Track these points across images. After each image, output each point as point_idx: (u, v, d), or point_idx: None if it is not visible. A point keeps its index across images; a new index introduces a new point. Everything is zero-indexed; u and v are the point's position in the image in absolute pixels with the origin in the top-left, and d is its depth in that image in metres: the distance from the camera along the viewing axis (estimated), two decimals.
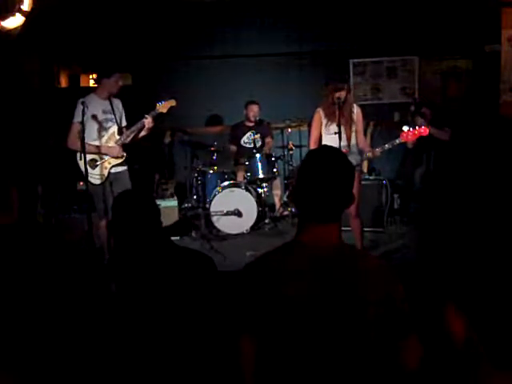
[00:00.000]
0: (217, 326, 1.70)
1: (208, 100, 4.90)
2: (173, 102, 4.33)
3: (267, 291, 1.43)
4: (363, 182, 5.10)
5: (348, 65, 6.61)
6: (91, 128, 4.15)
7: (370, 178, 5.60)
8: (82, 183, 5.12)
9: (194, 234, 5.36)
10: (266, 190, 5.66)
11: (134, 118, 4.34)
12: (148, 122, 4.21)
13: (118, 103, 4.38)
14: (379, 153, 3.96)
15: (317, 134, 4.10)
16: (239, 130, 6.08)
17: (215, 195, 5.42)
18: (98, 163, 4.20)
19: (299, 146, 5.96)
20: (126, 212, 1.91)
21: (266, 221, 5.50)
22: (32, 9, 4.59)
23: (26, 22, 4.60)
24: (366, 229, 4.41)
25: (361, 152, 4.09)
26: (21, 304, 1.93)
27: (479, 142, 5.75)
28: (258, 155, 5.47)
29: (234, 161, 6.00)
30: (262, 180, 5.57)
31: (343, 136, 3.87)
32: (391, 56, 6.54)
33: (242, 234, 5.35)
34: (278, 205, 5.87)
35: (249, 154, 5.60)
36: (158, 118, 4.36)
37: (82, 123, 3.91)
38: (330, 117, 3.99)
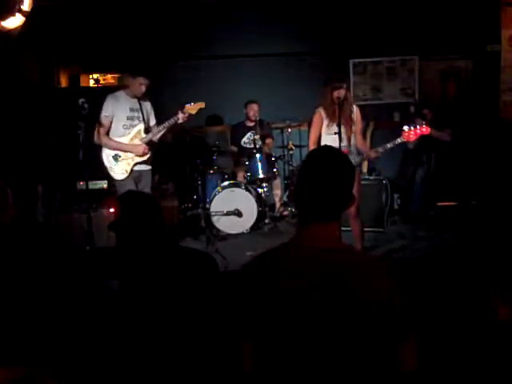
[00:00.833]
0: (217, 326, 1.70)
1: (208, 100, 4.90)
2: (202, 105, 4.37)
3: (265, 292, 1.42)
4: (363, 182, 5.11)
5: (348, 65, 6.61)
6: (117, 125, 4.20)
7: (370, 178, 5.60)
8: (82, 183, 5.13)
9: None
10: (265, 189, 5.66)
11: None
12: (182, 117, 4.22)
13: (146, 103, 4.40)
14: (381, 153, 3.96)
15: (316, 134, 4.09)
16: (239, 130, 6.08)
17: (215, 195, 5.42)
18: (121, 158, 4.23)
19: (299, 146, 5.96)
20: (130, 212, 1.91)
21: (266, 221, 5.50)
22: (32, 9, 4.58)
23: (26, 21, 4.60)
24: (365, 229, 4.40)
25: (360, 152, 4.08)
26: (20, 304, 1.93)
27: (479, 141, 5.76)
28: (258, 155, 5.47)
29: (234, 161, 6.01)
30: (262, 180, 5.57)
31: (344, 136, 3.86)
32: (391, 56, 6.54)
33: (242, 233, 5.35)
34: (278, 205, 5.87)
35: (249, 154, 5.60)
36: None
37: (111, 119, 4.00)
38: (331, 117, 3.98)
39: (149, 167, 4.39)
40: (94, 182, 5.19)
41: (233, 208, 5.34)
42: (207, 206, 5.46)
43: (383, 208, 5.37)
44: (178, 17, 6.39)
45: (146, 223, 1.88)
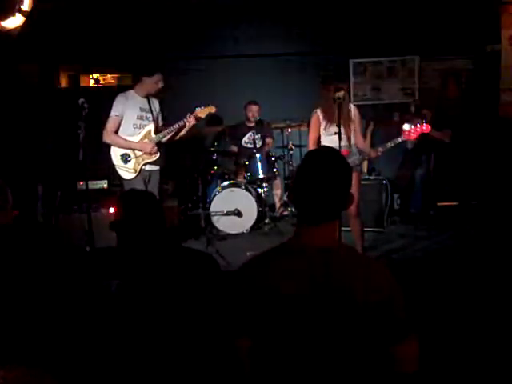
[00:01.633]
0: (217, 326, 1.70)
1: (208, 100, 4.90)
2: (212, 109, 4.38)
3: (263, 291, 1.43)
4: (363, 182, 5.10)
5: (348, 65, 6.61)
6: (127, 124, 4.21)
7: (370, 178, 5.60)
8: (82, 183, 5.13)
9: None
10: (266, 190, 5.66)
11: None
12: (191, 120, 4.24)
13: (155, 103, 4.42)
14: (381, 152, 3.96)
15: (315, 135, 4.08)
16: (239, 130, 6.08)
17: (215, 195, 5.42)
18: (130, 158, 4.24)
19: (299, 146, 5.96)
20: (130, 211, 1.90)
21: (266, 221, 5.50)
22: (32, 9, 4.58)
23: (26, 22, 4.60)
24: (365, 229, 4.40)
25: (360, 152, 4.08)
26: (20, 303, 1.93)
27: (479, 141, 5.76)
28: (258, 155, 5.47)
29: (234, 161, 6.01)
30: (262, 180, 5.56)
31: (343, 136, 3.85)
32: (391, 56, 6.54)
33: (242, 233, 5.35)
34: (278, 205, 5.87)
35: (249, 153, 5.60)
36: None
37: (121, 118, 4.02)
38: (329, 117, 3.97)
39: (157, 167, 4.41)
40: (94, 182, 5.19)
41: (233, 208, 5.34)
42: (207, 206, 5.46)
43: (383, 208, 5.37)
44: (178, 17, 6.39)
45: (147, 223, 1.88)
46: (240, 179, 5.77)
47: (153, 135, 4.30)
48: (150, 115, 4.32)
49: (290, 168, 5.88)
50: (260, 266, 1.50)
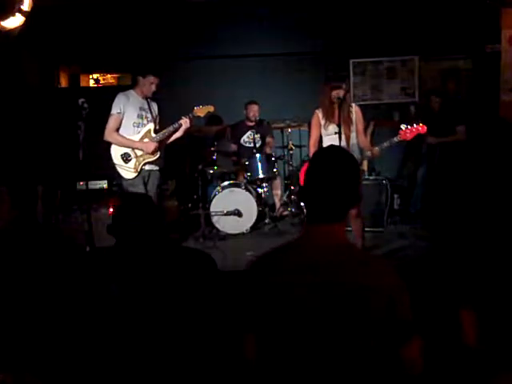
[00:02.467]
0: (218, 324, 1.70)
1: (208, 100, 4.90)
2: (211, 108, 4.41)
3: (270, 290, 1.43)
4: (363, 182, 5.10)
5: (348, 65, 6.61)
6: (127, 122, 4.23)
7: (370, 178, 5.60)
8: (82, 183, 5.13)
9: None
10: (266, 189, 5.66)
11: None
12: (185, 121, 4.27)
13: (154, 105, 4.45)
14: (378, 152, 3.96)
15: (316, 135, 4.12)
16: (239, 129, 6.08)
17: (215, 195, 5.42)
18: (131, 157, 4.24)
19: (299, 146, 5.96)
20: (128, 212, 1.90)
21: (266, 221, 5.49)
22: (32, 9, 4.58)
23: (26, 21, 4.60)
24: (365, 229, 4.40)
25: (361, 152, 4.09)
26: (20, 303, 1.93)
27: (479, 141, 5.76)
28: (257, 155, 5.47)
29: (234, 161, 6.01)
30: (262, 180, 5.56)
31: (342, 136, 3.87)
32: (391, 56, 6.54)
33: (242, 233, 5.35)
34: (278, 205, 5.87)
35: (249, 153, 5.60)
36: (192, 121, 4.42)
37: (122, 116, 4.07)
38: (328, 117, 4.00)
39: (157, 167, 4.42)
40: (93, 182, 5.20)
41: (233, 208, 5.34)
42: (207, 206, 5.46)
43: (383, 208, 5.36)
44: (178, 17, 6.39)
45: (142, 225, 1.88)
46: (240, 179, 5.77)
47: (153, 134, 4.31)
48: (149, 115, 4.34)
49: (290, 168, 5.88)
50: (268, 264, 1.50)
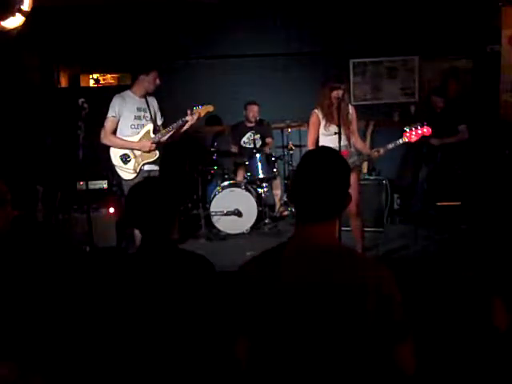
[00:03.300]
0: (214, 328, 1.70)
1: (208, 100, 4.90)
2: (210, 108, 4.42)
3: (262, 291, 1.43)
4: (363, 182, 5.10)
5: (348, 65, 6.61)
6: (125, 124, 4.21)
7: (370, 178, 5.60)
8: (82, 183, 5.13)
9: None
10: (266, 189, 5.66)
11: None
12: (191, 119, 4.27)
13: (153, 101, 4.43)
14: (382, 153, 3.95)
15: (314, 135, 4.08)
16: (239, 130, 6.08)
17: (215, 195, 5.42)
18: (130, 158, 4.24)
19: (299, 146, 5.96)
20: (137, 205, 1.88)
21: (266, 221, 5.50)
22: (32, 9, 4.58)
23: (26, 21, 4.60)
24: (365, 229, 4.40)
25: (359, 152, 4.08)
26: (20, 303, 1.93)
27: (479, 142, 5.76)
28: (257, 155, 5.47)
29: (234, 161, 6.01)
30: (262, 180, 5.57)
31: (343, 136, 3.86)
32: (391, 56, 6.54)
33: (242, 234, 5.35)
34: (277, 205, 5.87)
35: (249, 154, 5.60)
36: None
37: (118, 119, 4.06)
38: (328, 117, 3.98)
39: (157, 167, 4.41)
40: (93, 182, 5.19)
41: (233, 208, 5.34)
42: (207, 206, 5.46)
43: (383, 208, 5.37)
44: (178, 17, 6.39)
45: (151, 219, 1.85)
46: (240, 179, 5.77)
47: (152, 135, 4.30)
48: (148, 114, 4.33)
49: (290, 168, 5.88)
50: (259, 265, 1.50)
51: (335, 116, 3.90)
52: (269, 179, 5.64)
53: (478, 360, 2.33)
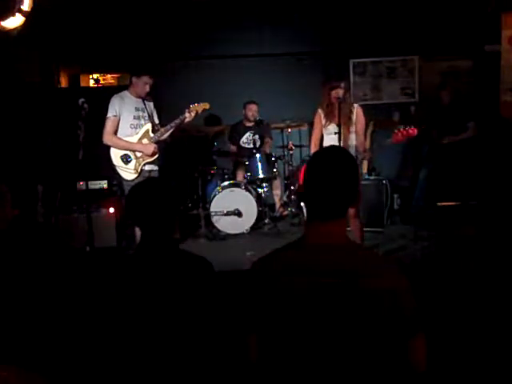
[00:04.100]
0: (219, 328, 1.70)
1: (208, 100, 4.91)
2: (207, 105, 4.44)
3: (273, 289, 1.44)
4: (363, 182, 5.10)
5: (348, 65, 6.61)
6: (124, 124, 4.22)
7: (370, 178, 5.60)
8: (82, 183, 5.13)
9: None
10: (266, 189, 5.66)
11: None
12: (189, 116, 4.28)
13: (150, 102, 4.44)
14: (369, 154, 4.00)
15: (317, 134, 4.13)
16: (238, 130, 6.08)
17: (215, 195, 5.42)
18: (131, 159, 4.25)
19: (299, 146, 5.96)
20: (140, 203, 1.89)
21: (266, 221, 5.50)
22: (32, 9, 4.58)
23: (26, 21, 4.60)
24: (365, 229, 4.40)
25: (359, 152, 4.08)
26: (20, 303, 1.93)
27: (479, 142, 5.75)
28: (257, 155, 5.48)
29: (234, 161, 6.01)
30: (262, 180, 5.57)
31: (341, 136, 3.87)
32: (391, 56, 6.54)
33: (242, 233, 5.35)
34: (278, 205, 5.87)
35: (249, 153, 5.60)
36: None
37: (118, 119, 4.08)
38: (328, 116, 4.02)
39: (157, 167, 4.42)
40: (93, 182, 5.19)
41: (233, 208, 5.34)
42: (207, 206, 5.46)
43: (383, 208, 5.36)
44: (178, 17, 6.39)
45: (153, 218, 1.86)
46: (240, 179, 5.77)
47: (151, 134, 4.31)
48: (145, 115, 4.34)
49: (290, 168, 5.88)
50: (270, 264, 1.51)
51: (336, 115, 3.91)
52: (269, 179, 5.64)
53: (484, 354, 2.33)
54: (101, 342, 1.83)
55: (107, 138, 4.24)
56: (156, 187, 1.92)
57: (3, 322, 1.87)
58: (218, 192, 5.43)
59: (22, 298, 1.95)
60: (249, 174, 5.54)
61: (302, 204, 1.60)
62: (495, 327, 2.77)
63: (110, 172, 4.61)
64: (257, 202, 5.38)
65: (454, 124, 5.38)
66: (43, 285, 2.06)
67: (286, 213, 5.84)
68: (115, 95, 4.25)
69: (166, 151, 5.57)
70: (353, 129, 4.03)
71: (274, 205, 5.91)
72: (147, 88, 4.33)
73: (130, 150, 4.27)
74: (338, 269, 1.42)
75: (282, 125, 6.01)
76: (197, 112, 4.41)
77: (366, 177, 5.57)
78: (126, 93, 4.33)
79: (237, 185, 5.52)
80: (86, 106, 3.96)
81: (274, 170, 5.61)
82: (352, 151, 4.03)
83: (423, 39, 6.26)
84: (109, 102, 4.31)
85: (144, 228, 1.88)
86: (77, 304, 2.43)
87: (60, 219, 5.04)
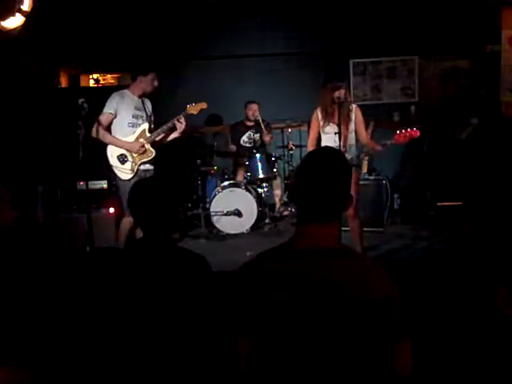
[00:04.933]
0: (212, 326, 1.70)
1: (208, 100, 4.90)
2: (204, 105, 4.39)
3: (262, 293, 1.43)
4: (363, 182, 5.11)
5: (348, 65, 6.61)
6: (122, 123, 4.20)
7: (370, 178, 5.60)
8: (82, 183, 5.13)
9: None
10: (266, 189, 5.66)
11: None
12: (180, 125, 4.25)
13: (148, 104, 4.43)
14: (381, 148, 3.92)
15: (314, 134, 4.10)
16: (239, 129, 6.08)
17: (215, 195, 5.42)
18: (127, 159, 4.24)
19: (299, 146, 5.96)
20: (140, 200, 1.91)
21: (266, 221, 5.50)
22: (32, 9, 4.59)
23: (26, 21, 4.60)
24: (365, 229, 4.40)
25: (360, 152, 4.08)
26: (21, 303, 1.93)
27: (479, 142, 5.76)
28: (257, 155, 5.48)
29: (234, 161, 6.01)
30: (262, 180, 5.57)
31: (339, 136, 3.85)
32: (391, 56, 6.54)
33: (242, 233, 5.35)
34: (278, 205, 5.87)
35: (249, 153, 5.60)
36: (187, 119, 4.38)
37: (114, 116, 4.03)
38: (327, 117, 3.99)
39: (152, 166, 4.41)
40: (93, 181, 5.20)
41: (233, 208, 5.34)
42: (207, 206, 5.46)
43: (383, 208, 5.37)
44: (178, 17, 6.39)
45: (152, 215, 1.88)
46: (240, 179, 5.77)
47: (147, 134, 4.29)
48: (144, 114, 4.32)
49: (290, 168, 5.88)
50: (260, 266, 1.50)
51: (336, 116, 3.89)
52: (269, 179, 5.64)
53: (483, 355, 2.33)
54: (98, 339, 1.83)
55: (97, 132, 4.21)
56: (155, 187, 1.94)
57: (4, 320, 1.87)
58: (218, 192, 5.43)
59: (23, 296, 1.95)
60: (249, 174, 5.54)
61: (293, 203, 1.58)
62: (495, 327, 2.77)
63: (110, 172, 4.60)
64: (257, 202, 5.38)
65: (457, 120, 5.37)
66: (43, 284, 2.06)
67: (286, 213, 5.84)
68: (116, 92, 4.24)
69: (166, 151, 5.56)
70: (352, 128, 4.03)
71: (273, 205, 5.91)
72: (156, 83, 4.33)
73: (117, 146, 4.22)
74: (326, 273, 1.41)
75: (281, 125, 6.01)
76: (192, 113, 4.38)
77: (366, 177, 5.57)
78: (126, 91, 4.33)
79: (237, 185, 5.52)
80: (85, 105, 3.96)
81: (274, 170, 5.62)
82: (352, 150, 4.03)
83: (423, 39, 6.26)
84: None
85: (143, 227, 1.89)
86: (76, 302, 2.43)
87: (60, 219, 5.05)
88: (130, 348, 1.75)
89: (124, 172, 4.25)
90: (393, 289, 1.43)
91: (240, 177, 5.84)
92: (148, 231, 1.90)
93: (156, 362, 1.72)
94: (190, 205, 5.87)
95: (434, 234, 5.01)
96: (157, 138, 4.34)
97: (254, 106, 5.91)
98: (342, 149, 3.91)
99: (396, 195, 5.89)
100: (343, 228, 3.55)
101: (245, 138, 6.03)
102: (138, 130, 4.29)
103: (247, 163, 5.54)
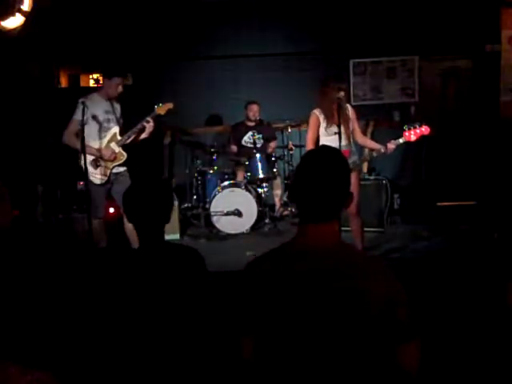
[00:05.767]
0: (213, 324, 1.71)
1: (208, 100, 4.91)
2: (170, 105, 4.33)
3: (266, 292, 1.43)
4: (363, 182, 5.10)
5: (348, 65, 6.61)
6: (92, 128, 4.13)
7: (370, 178, 5.60)
8: (82, 183, 5.13)
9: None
10: (266, 189, 5.66)
11: (133, 117, 4.34)
12: (149, 126, 4.21)
13: (117, 106, 4.37)
14: (389, 151, 3.87)
15: (314, 136, 4.00)
16: (239, 129, 6.08)
17: (215, 195, 5.42)
18: (99, 163, 4.20)
19: (299, 146, 5.96)
20: (135, 202, 1.92)
21: (266, 221, 5.50)
22: (32, 9, 4.59)
23: (26, 21, 4.60)
24: (365, 229, 4.39)
25: (361, 151, 4.08)
26: (21, 304, 1.93)
27: (479, 142, 5.76)
28: (258, 155, 5.48)
29: (234, 161, 6.01)
30: (262, 180, 5.57)
31: (343, 136, 3.81)
32: (391, 56, 6.54)
33: (242, 233, 5.35)
34: (278, 205, 5.87)
35: (249, 153, 5.60)
36: (155, 120, 4.33)
37: (82, 124, 3.89)
38: (329, 117, 3.91)
39: (124, 168, 4.35)
40: None
41: (233, 208, 5.34)
42: (207, 206, 5.46)
43: (383, 208, 5.36)
44: (178, 17, 6.39)
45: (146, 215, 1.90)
46: (240, 179, 5.77)
47: (118, 137, 4.24)
48: (114, 117, 4.27)
49: (290, 168, 5.88)
50: (264, 266, 1.50)
51: (335, 116, 3.86)
52: (269, 179, 5.64)
53: (484, 355, 2.33)
54: (99, 339, 1.84)
55: (67, 138, 4.16)
56: (150, 188, 1.95)
57: (3, 321, 1.87)
58: (218, 192, 5.43)
59: (22, 297, 1.95)
60: (249, 174, 5.54)
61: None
62: (496, 326, 2.77)
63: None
64: (257, 202, 5.38)
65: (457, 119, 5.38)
66: (43, 285, 2.06)
67: (286, 213, 5.84)
68: (81, 99, 4.06)
69: (166, 151, 5.59)
70: (351, 127, 4.02)
71: (273, 205, 5.91)
72: (120, 89, 4.26)
73: (88, 154, 4.13)
74: (328, 272, 1.41)
75: (281, 125, 6.01)
76: (160, 114, 4.32)
77: (366, 177, 5.57)
78: (94, 95, 4.26)
79: (237, 185, 5.52)
80: (86, 106, 3.95)
81: (274, 170, 5.62)
82: (354, 149, 4.03)
83: (423, 39, 6.26)
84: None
85: (138, 227, 1.91)
86: (76, 303, 2.43)
87: (60, 219, 5.05)
88: (132, 347, 1.75)
89: (96, 177, 4.20)
90: (399, 287, 1.43)
91: (240, 177, 5.84)
92: (141, 231, 1.92)
93: (158, 360, 1.72)
94: (190, 205, 5.87)
95: (433, 234, 5.01)
96: (127, 141, 4.28)
97: (255, 107, 5.91)
98: (349, 148, 3.89)
99: (396, 195, 5.89)
100: (343, 228, 3.55)
101: (246, 138, 6.03)
102: (109, 134, 4.23)
103: (247, 163, 5.54)
